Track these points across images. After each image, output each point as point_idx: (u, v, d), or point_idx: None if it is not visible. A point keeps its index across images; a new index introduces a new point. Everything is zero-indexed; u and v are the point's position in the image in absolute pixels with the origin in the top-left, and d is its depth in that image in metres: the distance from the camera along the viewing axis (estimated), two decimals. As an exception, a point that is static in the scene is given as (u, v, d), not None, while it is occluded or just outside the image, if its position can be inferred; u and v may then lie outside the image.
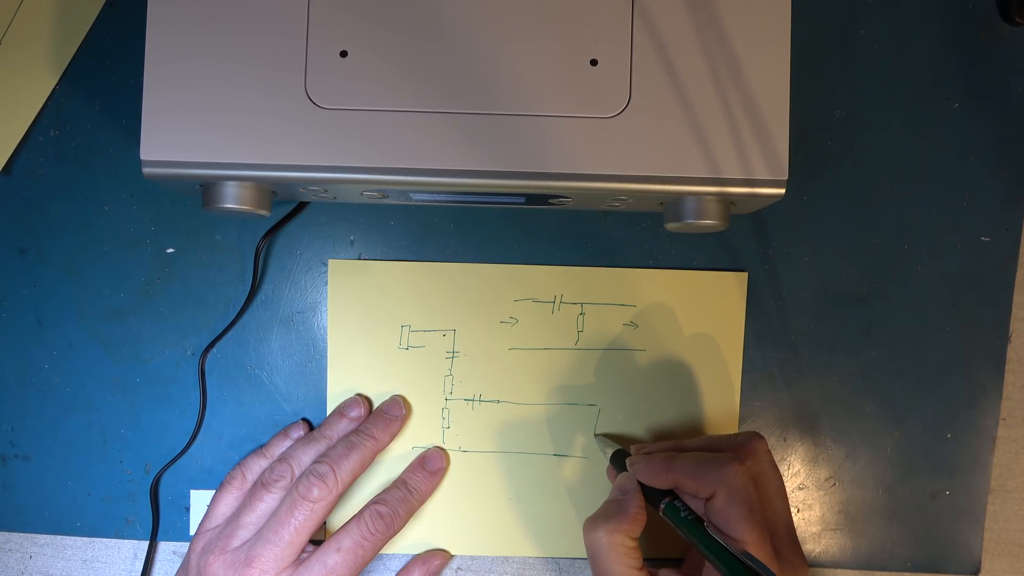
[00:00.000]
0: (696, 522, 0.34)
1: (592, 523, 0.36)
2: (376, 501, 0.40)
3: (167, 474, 0.43)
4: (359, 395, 0.43)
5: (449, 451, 0.43)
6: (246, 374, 0.43)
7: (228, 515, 0.40)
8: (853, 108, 0.44)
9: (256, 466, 0.41)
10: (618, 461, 0.40)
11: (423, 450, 0.43)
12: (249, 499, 0.39)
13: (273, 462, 0.41)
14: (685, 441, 0.40)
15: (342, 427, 0.42)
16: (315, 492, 0.38)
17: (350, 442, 0.40)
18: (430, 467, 0.42)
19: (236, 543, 0.38)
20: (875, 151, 0.44)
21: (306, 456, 0.40)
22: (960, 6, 0.44)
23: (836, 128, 0.44)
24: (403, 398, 0.43)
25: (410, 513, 0.41)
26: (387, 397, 0.43)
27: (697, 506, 0.35)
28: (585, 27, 0.35)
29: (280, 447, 0.42)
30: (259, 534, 0.38)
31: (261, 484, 0.40)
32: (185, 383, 0.43)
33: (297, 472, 0.40)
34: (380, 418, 0.42)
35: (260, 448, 0.42)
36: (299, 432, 0.43)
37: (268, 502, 0.39)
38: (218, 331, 0.43)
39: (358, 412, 0.42)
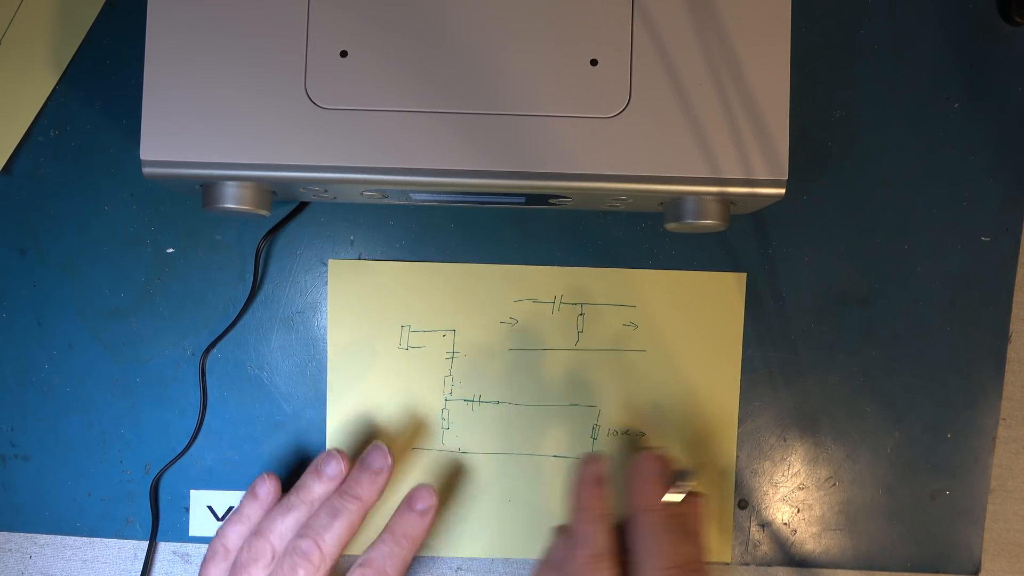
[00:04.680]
0: None
1: None
2: (362, 564, 0.37)
3: (167, 474, 0.43)
4: (335, 449, 0.39)
5: (449, 452, 0.43)
6: (246, 374, 0.43)
7: None
8: (853, 108, 0.44)
9: (234, 534, 0.38)
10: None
11: (421, 451, 0.43)
12: None
13: (249, 537, 0.37)
14: None
15: (321, 490, 0.38)
16: (300, 573, 0.35)
17: (333, 508, 0.37)
18: (419, 507, 0.39)
19: None
20: (875, 151, 0.44)
21: (285, 527, 0.36)
22: (960, 6, 0.44)
23: (836, 128, 0.44)
24: (386, 445, 0.39)
25: (405, 564, 0.38)
26: (386, 398, 0.43)
27: None
28: (585, 27, 0.35)
29: (254, 510, 0.38)
30: None
31: (240, 566, 0.36)
32: (185, 383, 0.43)
33: (278, 547, 0.36)
34: (364, 474, 0.38)
35: (235, 513, 0.38)
36: (266, 490, 0.38)
37: None
38: (218, 331, 0.43)
39: (338, 469, 0.38)
